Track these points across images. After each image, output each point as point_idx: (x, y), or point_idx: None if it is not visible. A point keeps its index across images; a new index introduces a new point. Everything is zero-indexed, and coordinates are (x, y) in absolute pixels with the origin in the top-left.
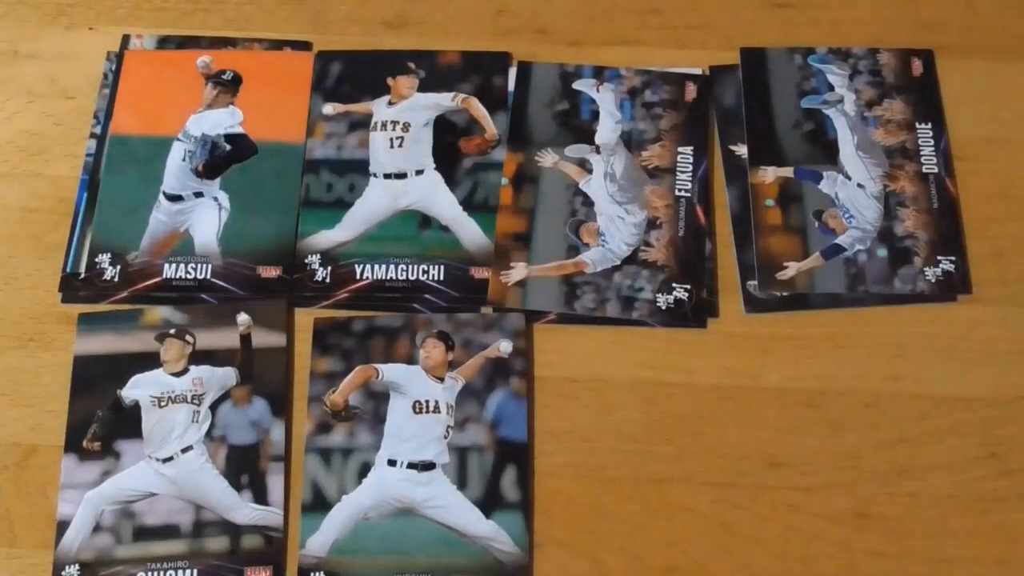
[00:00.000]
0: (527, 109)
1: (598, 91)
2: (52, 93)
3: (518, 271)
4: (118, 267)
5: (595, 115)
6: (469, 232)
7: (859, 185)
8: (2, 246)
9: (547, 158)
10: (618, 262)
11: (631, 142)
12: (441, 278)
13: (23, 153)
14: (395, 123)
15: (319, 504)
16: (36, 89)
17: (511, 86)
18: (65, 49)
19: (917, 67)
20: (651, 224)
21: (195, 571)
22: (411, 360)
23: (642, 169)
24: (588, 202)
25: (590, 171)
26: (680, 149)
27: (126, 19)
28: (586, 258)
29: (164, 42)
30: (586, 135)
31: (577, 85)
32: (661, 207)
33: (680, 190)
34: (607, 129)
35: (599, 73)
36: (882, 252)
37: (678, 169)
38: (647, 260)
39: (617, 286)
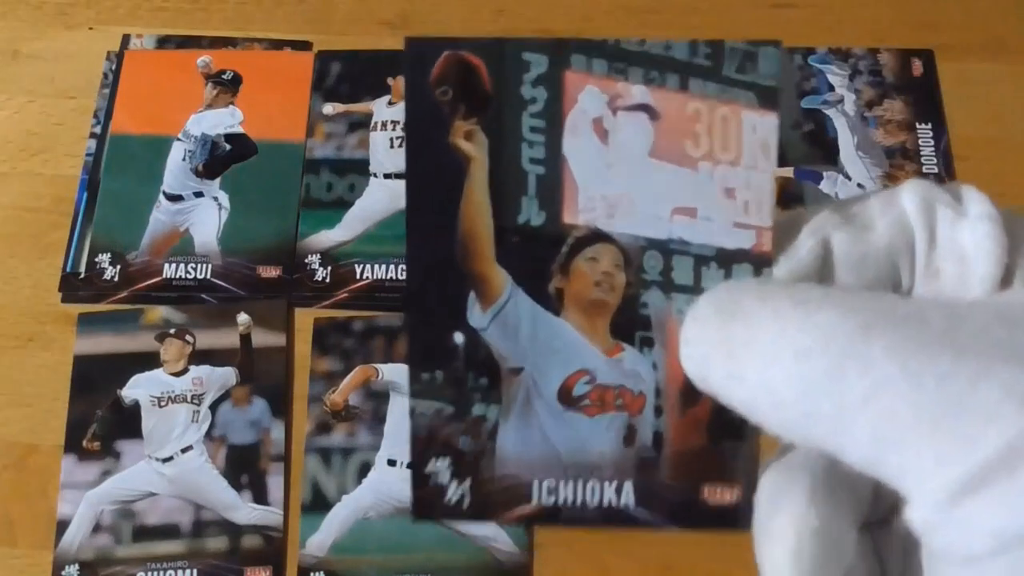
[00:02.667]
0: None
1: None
2: (52, 93)
3: None
4: (118, 267)
5: None
6: None
7: (859, 185)
8: (2, 246)
9: None
10: None
11: None
12: None
13: (23, 153)
14: (395, 123)
15: (319, 504)
16: (36, 89)
17: None
18: (65, 49)
19: (917, 67)
20: None
21: (195, 571)
22: None
23: None
24: None
25: None
26: None
27: (126, 19)
28: None
29: (164, 42)
30: None
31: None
32: None
33: None
34: None
35: None
36: None
37: None
38: None
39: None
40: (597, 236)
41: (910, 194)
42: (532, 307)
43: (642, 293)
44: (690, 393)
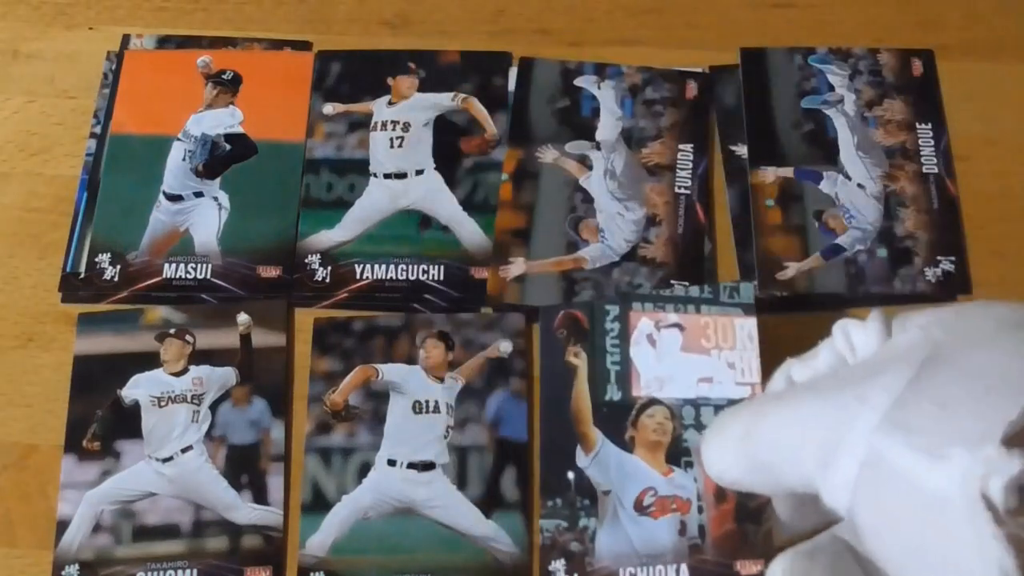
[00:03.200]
0: (528, 105)
1: (599, 88)
2: (52, 93)
3: (517, 266)
4: (118, 267)
5: (596, 112)
6: (469, 232)
7: (859, 185)
8: (2, 246)
9: (547, 154)
10: (617, 258)
11: (631, 139)
12: (441, 278)
13: (23, 153)
14: (395, 123)
15: (319, 504)
16: (36, 89)
17: (511, 85)
18: (65, 49)
19: (917, 67)
20: (650, 221)
21: (195, 571)
22: (411, 360)
23: (642, 166)
24: (588, 199)
25: (590, 168)
26: (680, 147)
27: (126, 19)
28: (585, 254)
29: (164, 42)
30: (587, 132)
31: (578, 82)
32: (660, 204)
33: (680, 187)
34: (608, 126)
35: (600, 70)
36: (882, 252)
37: (678, 167)
38: (646, 257)
39: (616, 282)
40: (653, 401)
41: (836, 327)
42: (616, 451)
43: (683, 433)
44: (720, 494)
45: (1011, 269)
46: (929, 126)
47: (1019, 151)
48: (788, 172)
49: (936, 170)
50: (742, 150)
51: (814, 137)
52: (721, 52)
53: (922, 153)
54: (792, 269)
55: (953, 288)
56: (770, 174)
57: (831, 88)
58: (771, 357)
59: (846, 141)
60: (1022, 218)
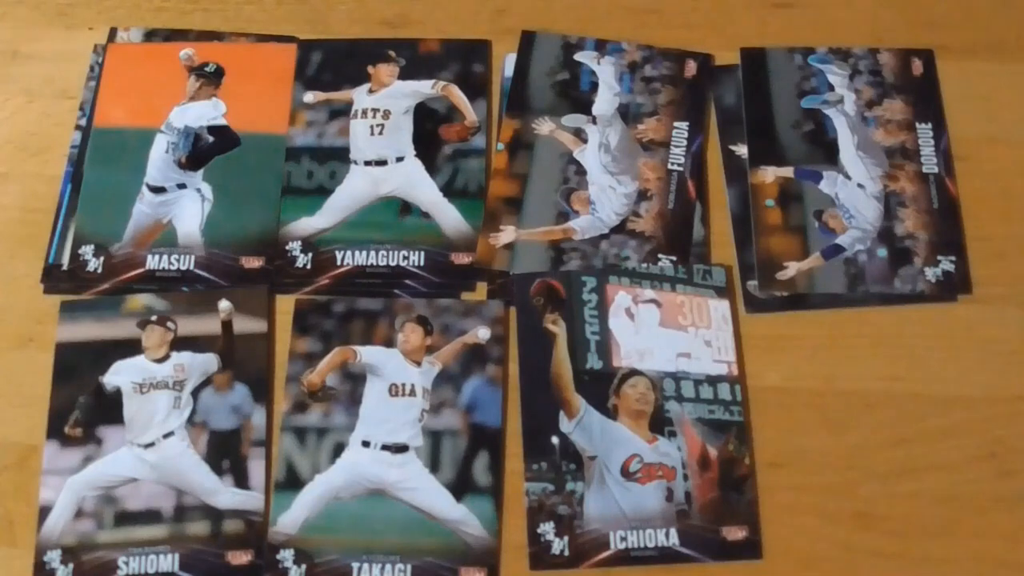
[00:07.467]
0: (528, 77)
1: (599, 63)
2: (52, 93)
3: (507, 234)
4: (101, 258)
5: (594, 86)
6: (449, 218)
7: (859, 185)
8: (3, 246)
9: (544, 126)
10: (606, 231)
11: (628, 115)
12: (421, 264)
13: (23, 153)
14: (375, 111)
15: (292, 483)
16: (36, 89)
17: (498, 72)
18: (65, 49)
19: (917, 67)
20: (641, 195)
21: (176, 555)
22: (390, 343)
23: (636, 142)
24: (581, 171)
25: (585, 141)
26: (676, 124)
27: (126, 19)
28: (575, 225)
29: (151, 35)
30: (584, 106)
31: (578, 56)
32: (653, 180)
33: (673, 164)
34: (605, 101)
35: (601, 46)
36: (882, 252)
37: (672, 144)
38: (635, 230)
39: (604, 254)
40: (634, 372)
41: None
42: (599, 417)
43: (665, 404)
44: (703, 463)
45: (1011, 269)
46: (929, 126)
47: (1019, 151)
48: (788, 172)
49: (936, 170)
50: (742, 150)
51: (814, 137)
52: (721, 52)
53: (922, 153)
54: (792, 269)
55: (953, 288)
56: (770, 174)
57: (831, 88)
58: (771, 357)
59: (846, 141)
60: (1022, 218)
